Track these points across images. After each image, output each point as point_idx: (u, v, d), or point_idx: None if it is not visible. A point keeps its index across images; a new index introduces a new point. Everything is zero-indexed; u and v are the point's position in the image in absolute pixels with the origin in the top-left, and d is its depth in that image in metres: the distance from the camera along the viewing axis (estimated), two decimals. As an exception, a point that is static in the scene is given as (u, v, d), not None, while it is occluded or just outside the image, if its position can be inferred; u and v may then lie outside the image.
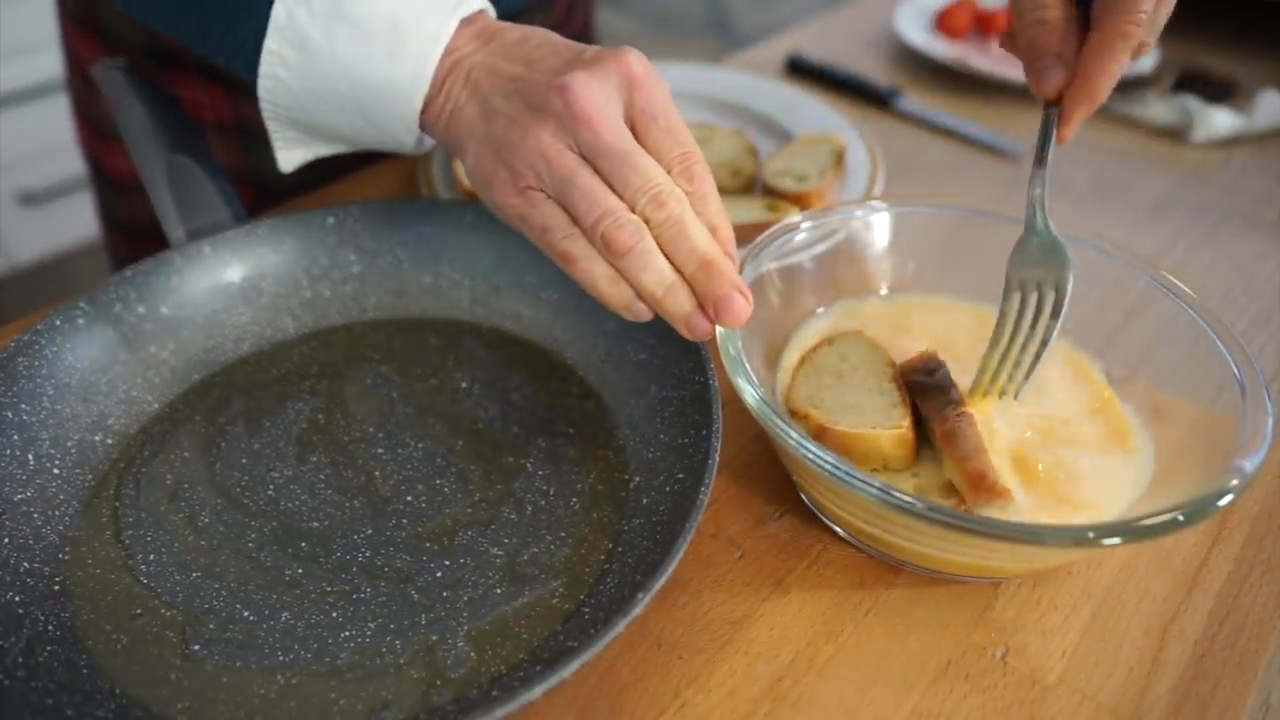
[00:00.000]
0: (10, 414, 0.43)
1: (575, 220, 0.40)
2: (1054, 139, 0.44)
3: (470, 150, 0.43)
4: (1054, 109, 0.44)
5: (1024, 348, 0.44)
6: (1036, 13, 0.43)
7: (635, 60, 0.40)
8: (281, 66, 0.44)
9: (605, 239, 0.38)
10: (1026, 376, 0.44)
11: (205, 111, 0.68)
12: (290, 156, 0.50)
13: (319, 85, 0.44)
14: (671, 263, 0.39)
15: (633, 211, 0.39)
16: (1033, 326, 0.44)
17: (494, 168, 0.41)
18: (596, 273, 0.40)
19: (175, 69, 0.66)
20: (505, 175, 0.41)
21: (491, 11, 0.46)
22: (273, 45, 0.44)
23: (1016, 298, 0.44)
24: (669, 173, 0.40)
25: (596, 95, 0.39)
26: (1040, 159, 0.45)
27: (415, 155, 0.48)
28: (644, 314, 0.41)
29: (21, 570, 0.40)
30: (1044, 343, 0.43)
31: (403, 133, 0.45)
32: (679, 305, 0.39)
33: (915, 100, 0.84)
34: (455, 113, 0.43)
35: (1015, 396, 0.44)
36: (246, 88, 0.46)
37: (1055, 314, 0.43)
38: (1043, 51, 0.43)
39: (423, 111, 0.44)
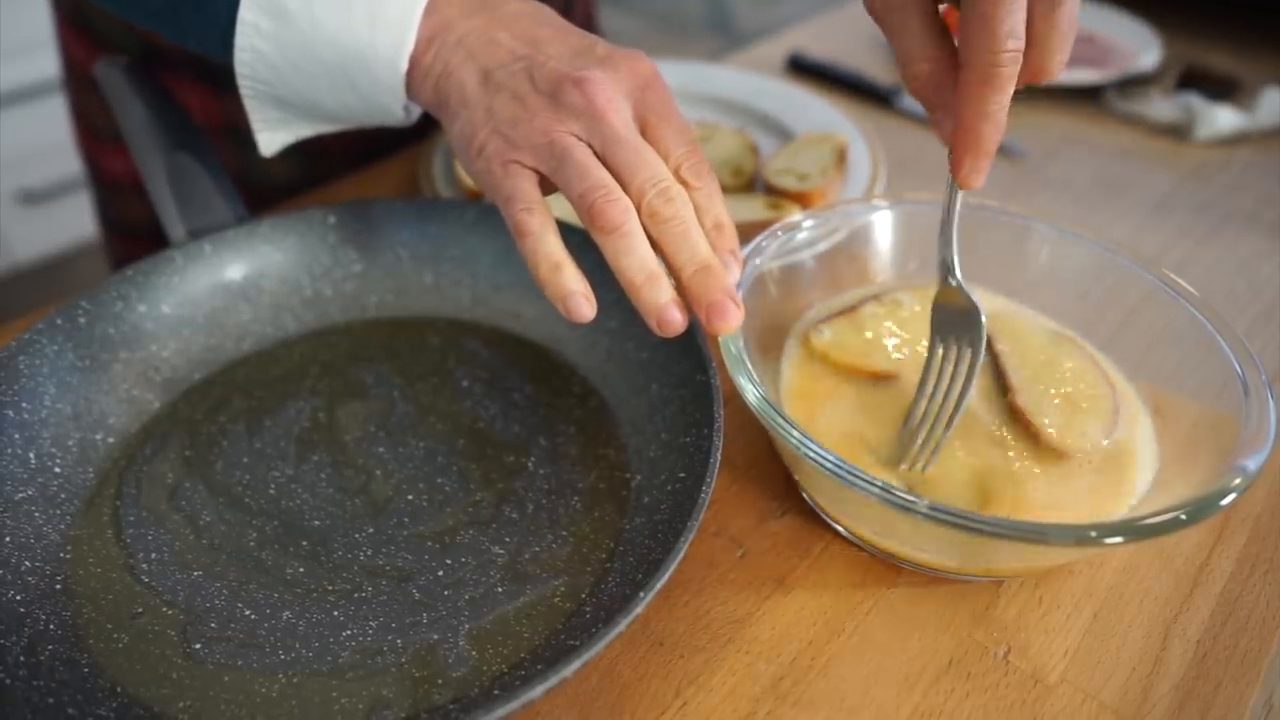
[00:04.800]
0: (11, 412, 0.43)
1: (567, 195, 0.39)
2: (957, 188, 0.41)
3: (460, 116, 0.42)
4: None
5: (939, 414, 0.41)
6: (909, 68, 0.40)
7: (648, 64, 0.41)
8: (258, 36, 0.43)
9: (594, 211, 0.37)
10: (936, 449, 0.41)
11: (195, 113, 0.67)
12: (271, 139, 0.48)
13: (299, 54, 0.43)
14: (672, 262, 0.39)
15: (639, 206, 0.38)
16: (949, 389, 0.42)
17: (487, 137, 0.41)
18: (541, 252, 0.39)
19: (164, 69, 0.66)
20: (498, 145, 0.40)
21: None
22: (248, 15, 0.42)
23: (939, 353, 0.43)
24: (677, 169, 0.40)
25: (613, 93, 0.40)
26: (946, 215, 0.42)
27: (405, 126, 0.47)
28: (579, 311, 0.38)
29: (23, 569, 0.40)
30: (957, 409, 0.41)
31: (389, 99, 0.44)
32: (656, 296, 0.38)
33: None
34: (445, 76, 0.42)
35: (924, 469, 0.42)
36: (235, 86, 0.46)
37: (969, 377, 0.41)
38: (927, 104, 0.41)
39: (408, 72, 0.43)
